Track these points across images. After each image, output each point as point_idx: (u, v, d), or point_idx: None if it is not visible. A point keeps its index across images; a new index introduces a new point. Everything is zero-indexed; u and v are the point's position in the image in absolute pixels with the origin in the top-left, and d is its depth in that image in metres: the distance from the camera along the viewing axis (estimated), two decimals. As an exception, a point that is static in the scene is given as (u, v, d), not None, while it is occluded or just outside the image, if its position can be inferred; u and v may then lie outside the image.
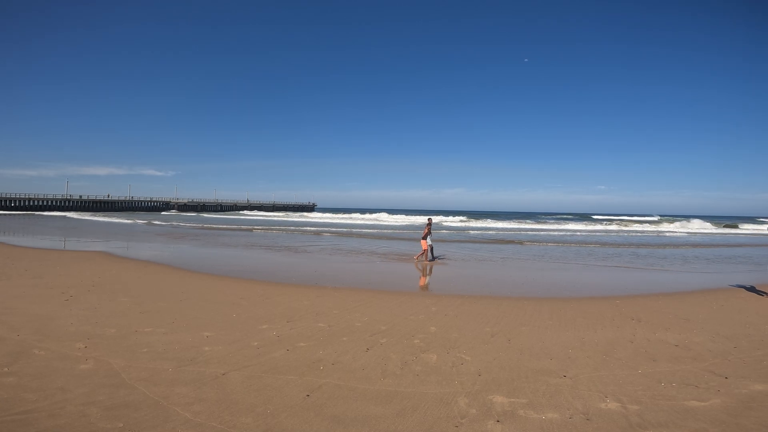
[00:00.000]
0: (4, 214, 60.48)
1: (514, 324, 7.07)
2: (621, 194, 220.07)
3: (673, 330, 6.86)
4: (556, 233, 37.82)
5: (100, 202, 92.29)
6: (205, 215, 75.68)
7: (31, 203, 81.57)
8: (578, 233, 38.47)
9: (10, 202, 78.79)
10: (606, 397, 4.28)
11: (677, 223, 57.32)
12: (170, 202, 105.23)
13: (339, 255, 17.81)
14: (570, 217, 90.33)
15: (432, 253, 15.84)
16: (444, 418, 3.79)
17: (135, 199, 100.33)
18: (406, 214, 72.69)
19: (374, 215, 69.87)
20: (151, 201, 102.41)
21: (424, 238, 15.59)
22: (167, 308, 7.65)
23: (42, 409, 3.73)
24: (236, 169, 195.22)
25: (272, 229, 35.88)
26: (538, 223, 56.45)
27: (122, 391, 4.16)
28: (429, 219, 17.35)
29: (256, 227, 38.57)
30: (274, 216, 75.43)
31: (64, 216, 56.97)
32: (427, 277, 12.36)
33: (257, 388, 4.35)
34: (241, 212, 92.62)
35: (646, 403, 4.15)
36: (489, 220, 59.14)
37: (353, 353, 5.50)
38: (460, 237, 30.50)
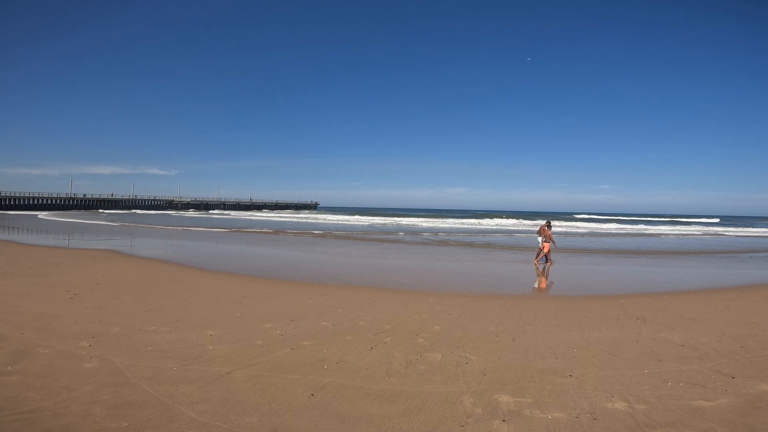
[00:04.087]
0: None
1: (519, 323, 7.04)
2: (624, 194, 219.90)
3: (679, 330, 6.81)
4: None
5: (104, 201, 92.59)
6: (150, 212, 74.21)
7: (35, 202, 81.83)
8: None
9: (14, 200, 79.03)
10: (612, 396, 4.25)
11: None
12: (173, 200, 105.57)
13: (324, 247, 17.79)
14: (601, 218, 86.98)
15: (540, 257, 15.86)
16: (449, 418, 3.77)
17: (138, 198, 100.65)
18: (413, 215, 72.73)
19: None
20: (154, 200, 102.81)
21: (547, 240, 15.52)
22: (171, 307, 7.65)
23: (46, 408, 3.72)
24: (239, 169, 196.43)
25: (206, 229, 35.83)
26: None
27: (126, 390, 4.16)
28: (548, 221, 16.76)
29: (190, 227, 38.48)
30: (240, 215, 73.49)
31: (36, 215, 55.02)
32: (547, 279, 12.34)
33: (262, 387, 4.34)
34: (210, 212, 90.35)
35: (653, 402, 4.12)
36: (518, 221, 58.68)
37: (357, 352, 5.48)
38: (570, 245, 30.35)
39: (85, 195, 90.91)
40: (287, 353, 5.37)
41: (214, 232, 30.06)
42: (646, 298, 9.38)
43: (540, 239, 15.73)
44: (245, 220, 54.50)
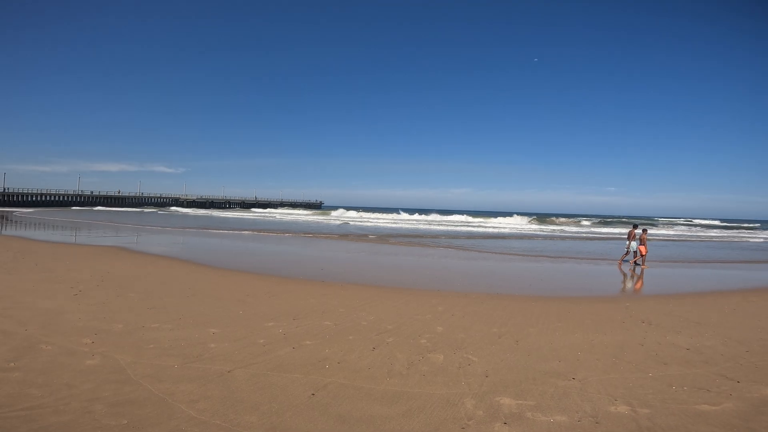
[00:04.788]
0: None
1: (522, 325, 7.00)
2: (631, 196, 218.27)
3: (684, 333, 6.75)
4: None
5: (111, 198, 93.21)
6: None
7: (44, 199, 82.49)
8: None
9: (24, 197, 79.72)
10: (615, 400, 4.21)
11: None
12: (179, 198, 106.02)
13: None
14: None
15: (632, 258, 16.56)
16: (450, 420, 3.75)
17: (145, 195, 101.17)
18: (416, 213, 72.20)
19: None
20: (160, 197, 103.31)
21: (643, 243, 16.13)
22: (174, 304, 7.67)
23: (47, 405, 3.73)
24: (245, 167, 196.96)
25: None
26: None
27: (127, 387, 4.16)
28: (635, 226, 17.48)
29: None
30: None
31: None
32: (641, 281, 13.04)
33: (262, 386, 4.33)
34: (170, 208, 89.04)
35: (657, 406, 4.08)
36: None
37: (359, 352, 5.47)
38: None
39: (92, 192, 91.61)
40: (289, 352, 5.37)
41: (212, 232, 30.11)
42: (651, 301, 9.31)
43: (634, 243, 16.38)
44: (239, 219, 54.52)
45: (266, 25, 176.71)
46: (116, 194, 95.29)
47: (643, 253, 15.95)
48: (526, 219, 59.35)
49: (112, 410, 3.67)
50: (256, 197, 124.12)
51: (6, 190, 78.12)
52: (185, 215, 61.09)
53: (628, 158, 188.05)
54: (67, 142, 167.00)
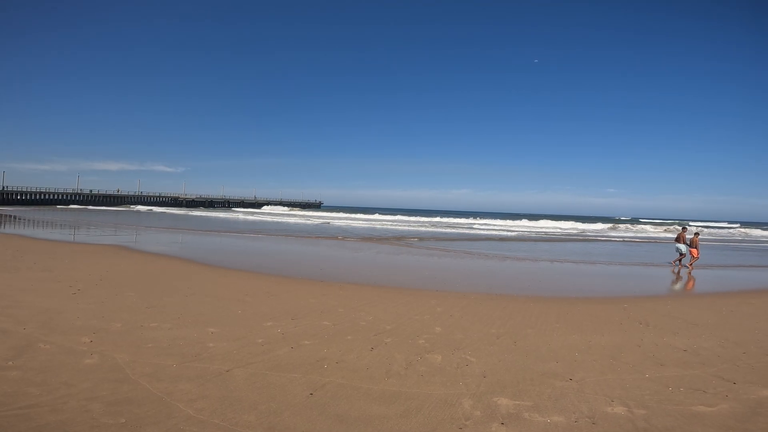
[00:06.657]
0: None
1: (521, 326, 7.01)
2: (631, 197, 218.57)
3: (682, 334, 6.77)
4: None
5: (110, 197, 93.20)
6: None
7: (43, 197, 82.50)
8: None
9: (22, 195, 79.69)
10: (612, 401, 4.22)
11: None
12: (179, 197, 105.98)
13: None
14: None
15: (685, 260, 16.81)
16: (448, 420, 3.76)
17: (144, 194, 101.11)
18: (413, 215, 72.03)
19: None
20: (159, 196, 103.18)
21: (694, 246, 16.35)
22: (173, 303, 7.67)
23: (45, 403, 3.73)
24: (245, 167, 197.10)
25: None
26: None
27: (126, 386, 4.17)
28: (684, 229, 17.79)
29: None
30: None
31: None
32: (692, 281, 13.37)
33: (261, 385, 4.34)
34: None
35: (653, 407, 4.09)
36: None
37: (358, 352, 5.48)
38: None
39: (91, 191, 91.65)
40: (287, 352, 5.38)
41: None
42: (649, 302, 9.32)
43: (683, 247, 16.60)
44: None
45: (267, 25, 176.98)
46: (116, 193, 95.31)
47: (695, 255, 16.21)
48: (548, 222, 58.35)
49: (110, 409, 3.68)
50: (255, 197, 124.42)
51: (5, 188, 78.04)
52: (157, 214, 58.39)
53: (628, 159, 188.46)
54: (67, 141, 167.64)
